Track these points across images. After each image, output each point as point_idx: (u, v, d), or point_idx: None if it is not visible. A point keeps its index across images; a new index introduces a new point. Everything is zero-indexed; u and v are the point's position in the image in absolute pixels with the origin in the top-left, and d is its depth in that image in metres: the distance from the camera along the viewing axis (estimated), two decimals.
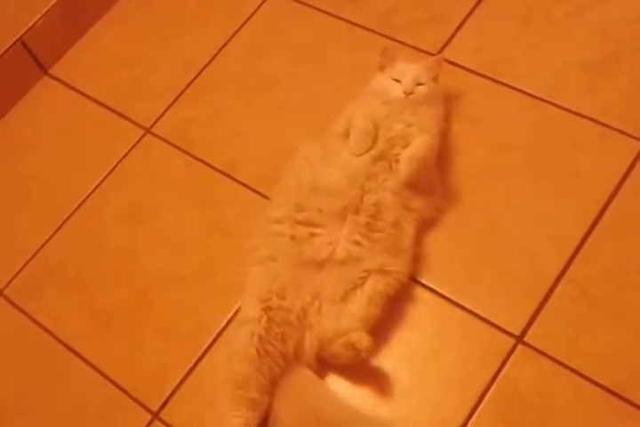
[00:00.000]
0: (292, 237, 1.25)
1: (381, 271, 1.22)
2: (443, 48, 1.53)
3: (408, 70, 1.35)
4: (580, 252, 1.26)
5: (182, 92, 1.62)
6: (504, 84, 1.46)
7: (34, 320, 1.40)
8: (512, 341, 1.20)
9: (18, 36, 1.64)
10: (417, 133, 1.29)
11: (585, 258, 1.25)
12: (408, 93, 1.32)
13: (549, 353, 1.18)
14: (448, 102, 1.42)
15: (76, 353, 1.35)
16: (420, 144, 1.28)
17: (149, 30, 1.74)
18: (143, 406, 1.27)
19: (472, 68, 1.49)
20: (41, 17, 1.67)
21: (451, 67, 1.45)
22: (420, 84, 1.34)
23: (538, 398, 1.16)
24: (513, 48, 1.50)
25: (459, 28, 1.55)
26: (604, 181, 1.32)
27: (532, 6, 1.54)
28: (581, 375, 1.16)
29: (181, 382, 1.28)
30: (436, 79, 1.38)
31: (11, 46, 1.64)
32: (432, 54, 1.52)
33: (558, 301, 1.22)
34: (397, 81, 1.34)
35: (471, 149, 1.40)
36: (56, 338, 1.37)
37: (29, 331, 1.39)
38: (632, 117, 1.37)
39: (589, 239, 1.27)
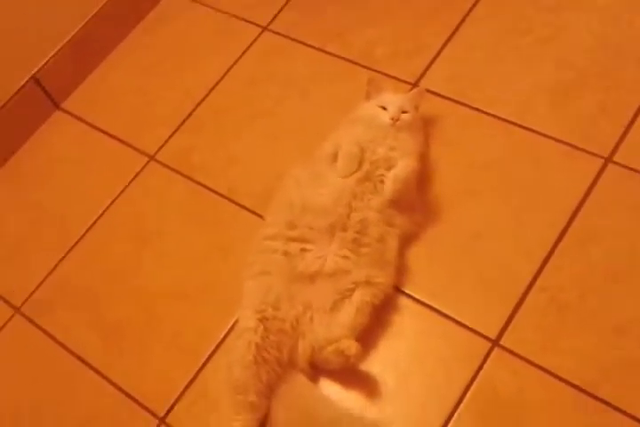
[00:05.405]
0: (285, 253, 1.30)
1: (368, 283, 1.27)
2: (420, 78, 1.59)
3: (394, 99, 1.42)
4: (550, 261, 1.30)
5: (184, 122, 1.67)
6: (477, 109, 1.51)
7: (48, 335, 1.44)
8: (488, 344, 1.25)
9: (31, 73, 1.70)
10: (399, 157, 1.35)
11: (554, 267, 1.30)
12: (395, 120, 1.39)
13: (523, 355, 1.22)
14: (426, 127, 1.48)
15: (88, 364, 1.39)
16: (403, 166, 1.33)
17: (153, 65, 1.80)
18: (150, 411, 1.31)
19: (447, 95, 1.54)
20: (53, 55, 1.72)
21: (428, 94, 1.49)
22: (404, 112, 1.40)
23: (514, 398, 1.19)
24: (484, 76, 1.55)
25: (434, 59, 1.60)
26: (569, 196, 1.36)
27: (501, 38, 1.60)
28: (553, 375, 1.20)
29: (186, 389, 1.32)
30: (417, 108, 1.44)
31: (25, 83, 1.69)
32: (410, 83, 1.58)
33: (530, 306, 1.27)
34: (384, 108, 1.40)
35: (448, 169, 1.45)
36: (69, 351, 1.42)
37: (44, 345, 1.43)
38: (593, 137, 1.42)
39: (557, 250, 1.31)
